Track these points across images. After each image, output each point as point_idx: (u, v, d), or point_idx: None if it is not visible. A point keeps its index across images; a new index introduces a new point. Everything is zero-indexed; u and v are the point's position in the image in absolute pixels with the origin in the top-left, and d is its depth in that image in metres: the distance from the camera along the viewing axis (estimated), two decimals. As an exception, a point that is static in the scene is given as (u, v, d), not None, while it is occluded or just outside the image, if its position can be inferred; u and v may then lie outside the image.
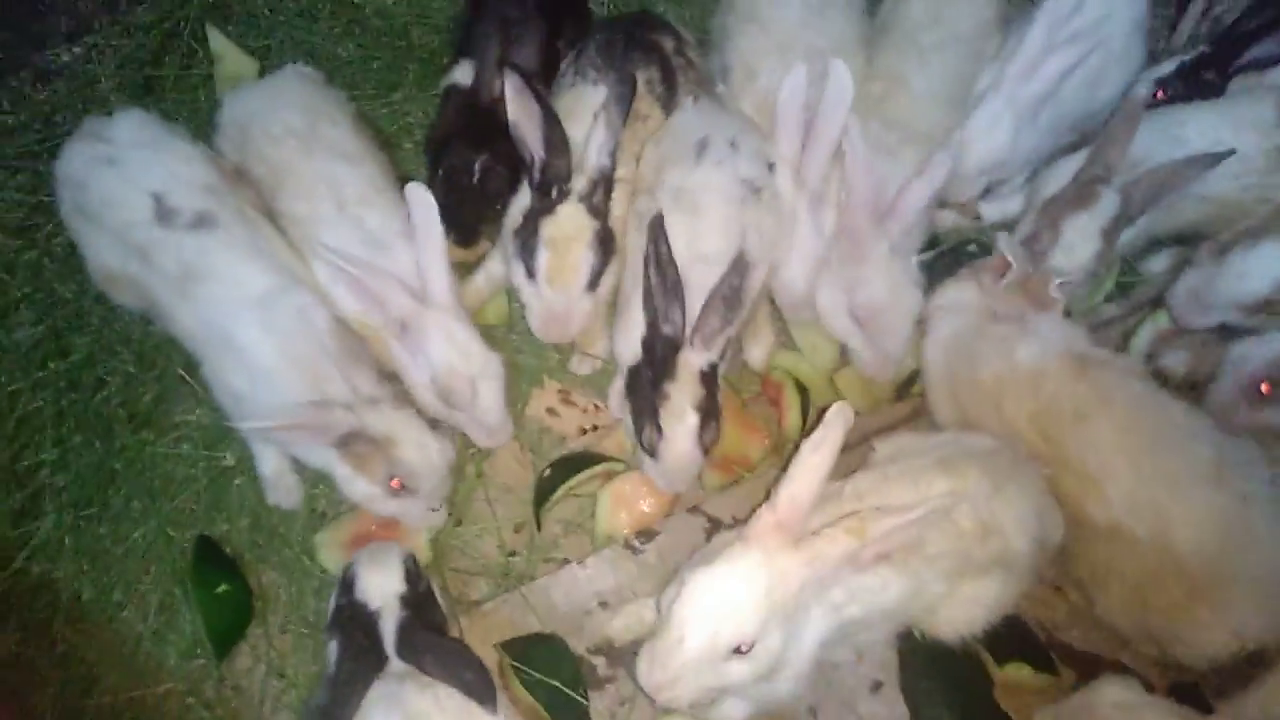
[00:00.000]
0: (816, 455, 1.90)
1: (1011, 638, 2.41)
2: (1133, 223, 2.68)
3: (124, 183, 2.56)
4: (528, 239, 2.58)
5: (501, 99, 2.58)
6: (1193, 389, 2.72)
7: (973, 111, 2.88)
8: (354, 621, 2.08)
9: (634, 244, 2.64)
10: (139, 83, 3.52)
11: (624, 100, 2.59)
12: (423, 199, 2.44)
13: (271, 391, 2.40)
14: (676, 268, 2.32)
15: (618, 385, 2.69)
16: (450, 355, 2.48)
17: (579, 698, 2.30)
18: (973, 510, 2.12)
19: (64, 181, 2.66)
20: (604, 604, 2.49)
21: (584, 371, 2.91)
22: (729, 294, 2.34)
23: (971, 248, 3.03)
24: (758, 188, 2.63)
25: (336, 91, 3.01)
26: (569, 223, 2.55)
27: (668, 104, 2.91)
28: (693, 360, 2.36)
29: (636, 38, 2.95)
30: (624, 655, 2.40)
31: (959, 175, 2.85)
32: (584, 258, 2.57)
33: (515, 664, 2.32)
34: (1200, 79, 3.00)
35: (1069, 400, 2.33)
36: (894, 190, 2.65)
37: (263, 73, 3.44)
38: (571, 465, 2.68)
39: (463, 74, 2.95)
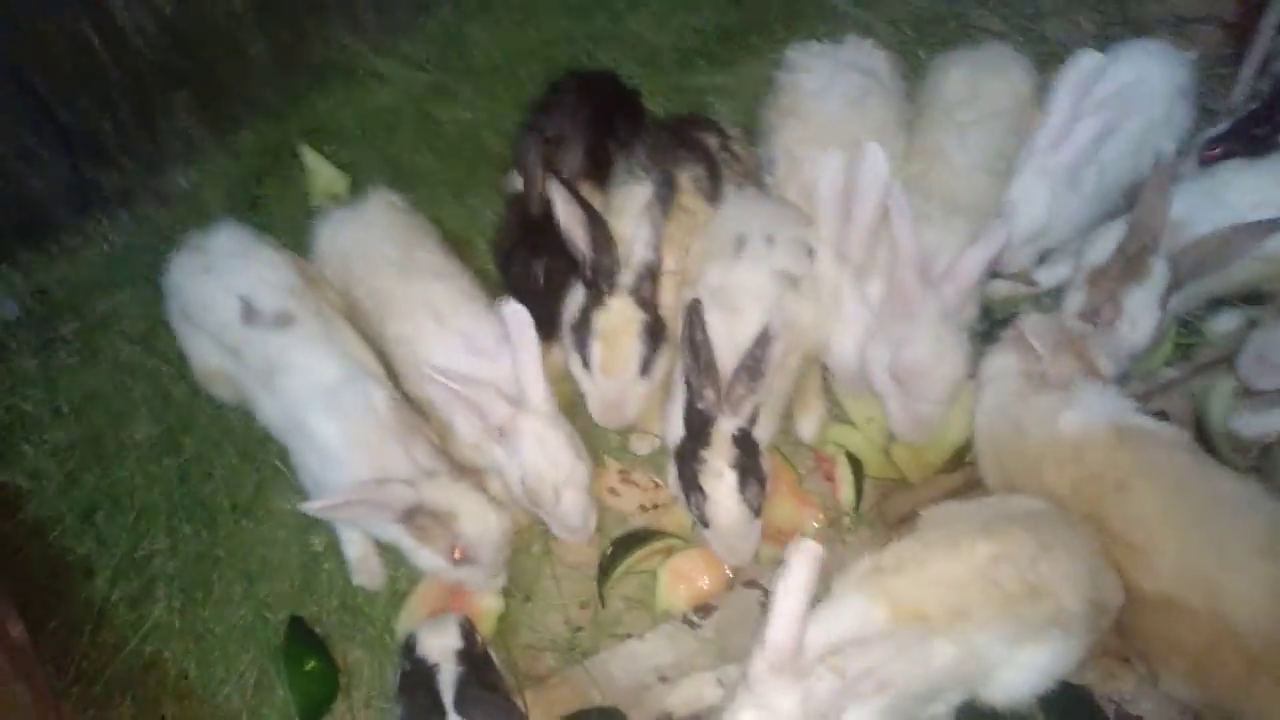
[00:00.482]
0: (790, 600, 1.94)
1: (1078, 711, 2.38)
2: (1182, 287, 2.68)
3: (217, 287, 2.83)
4: (582, 332, 2.75)
5: (548, 204, 2.78)
6: (1266, 453, 2.69)
7: (1010, 183, 2.94)
8: (415, 680, 2.21)
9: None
10: (245, 200, 3.88)
11: (664, 198, 2.77)
12: (517, 314, 2.58)
13: (339, 473, 2.58)
14: (710, 349, 2.47)
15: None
16: (539, 461, 2.58)
17: (639, 771, 2.37)
18: (1017, 572, 2.13)
19: (170, 290, 2.97)
20: (663, 678, 2.56)
21: (643, 451, 3.03)
22: (752, 364, 2.48)
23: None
24: (795, 277, 2.75)
25: (421, 216, 3.21)
26: (618, 315, 2.72)
27: (713, 197, 3.07)
28: (725, 426, 2.48)
29: (682, 137, 3.13)
30: (683, 728, 2.47)
31: (1005, 245, 2.89)
32: (634, 347, 2.72)
33: (577, 738, 2.42)
34: (1251, 135, 2.99)
35: (1111, 470, 2.33)
36: (945, 257, 2.72)
37: (352, 185, 3.76)
38: (632, 542, 2.79)
39: (518, 181, 3.14)
